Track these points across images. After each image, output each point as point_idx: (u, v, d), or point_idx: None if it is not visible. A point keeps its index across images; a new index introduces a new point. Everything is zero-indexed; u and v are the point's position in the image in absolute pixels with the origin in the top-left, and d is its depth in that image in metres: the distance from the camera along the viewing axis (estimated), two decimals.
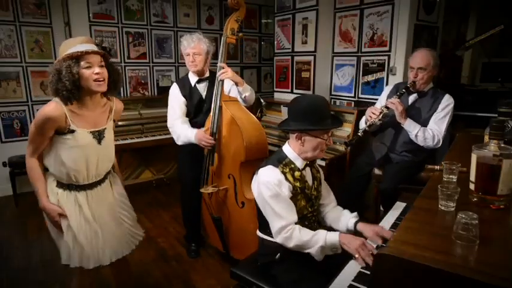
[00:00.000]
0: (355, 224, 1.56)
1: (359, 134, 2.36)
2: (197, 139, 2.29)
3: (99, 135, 1.61)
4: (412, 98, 2.43)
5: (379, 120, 2.36)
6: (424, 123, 2.35)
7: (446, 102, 2.33)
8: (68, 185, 1.61)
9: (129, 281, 2.00)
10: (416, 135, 2.30)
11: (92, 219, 1.64)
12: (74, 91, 1.46)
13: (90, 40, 1.55)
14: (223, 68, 2.25)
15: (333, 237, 1.42)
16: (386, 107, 2.34)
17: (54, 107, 1.48)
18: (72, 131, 1.52)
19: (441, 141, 2.31)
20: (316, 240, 1.42)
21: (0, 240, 2.98)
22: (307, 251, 1.45)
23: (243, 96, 2.37)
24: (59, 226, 1.60)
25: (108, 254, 1.68)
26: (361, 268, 1.30)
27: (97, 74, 1.49)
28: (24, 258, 2.69)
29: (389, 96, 2.50)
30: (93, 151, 1.60)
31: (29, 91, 3.93)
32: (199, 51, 2.36)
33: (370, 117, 2.37)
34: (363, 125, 2.52)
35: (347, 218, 1.61)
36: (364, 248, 1.33)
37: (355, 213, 1.63)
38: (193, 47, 2.35)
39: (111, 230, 1.72)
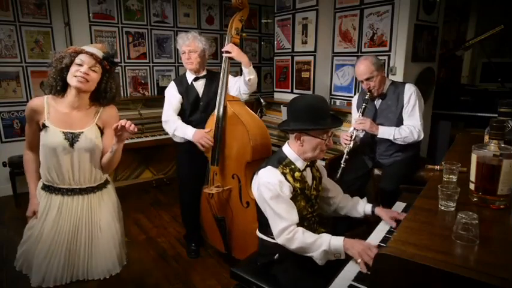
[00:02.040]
0: (373, 209, 1.64)
1: (342, 165, 2.34)
2: (196, 138, 2.27)
3: (72, 138, 1.53)
4: (377, 102, 2.47)
5: (355, 142, 2.38)
6: (399, 120, 2.37)
7: (409, 92, 2.34)
8: (49, 187, 1.59)
9: (129, 281, 2.00)
10: (395, 139, 2.32)
11: (58, 229, 1.56)
12: (57, 80, 1.53)
13: (102, 47, 1.60)
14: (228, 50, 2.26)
15: (337, 242, 1.38)
16: (356, 129, 2.36)
17: (36, 99, 1.57)
18: (46, 127, 1.53)
19: (422, 132, 2.33)
20: (320, 244, 1.39)
21: (0, 240, 2.98)
22: (309, 254, 1.43)
23: (247, 79, 2.32)
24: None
25: (64, 272, 1.56)
26: None
27: (82, 72, 1.49)
28: None
29: (358, 106, 2.53)
30: (65, 153, 1.53)
31: (29, 91, 3.93)
32: (195, 49, 2.37)
33: (345, 144, 2.38)
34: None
35: (362, 205, 1.69)
36: (368, 252, 1.28)
37: (365, 199, 1.73)
38: (188, 44, 2.36)
39: (80, 247, 1.60)
